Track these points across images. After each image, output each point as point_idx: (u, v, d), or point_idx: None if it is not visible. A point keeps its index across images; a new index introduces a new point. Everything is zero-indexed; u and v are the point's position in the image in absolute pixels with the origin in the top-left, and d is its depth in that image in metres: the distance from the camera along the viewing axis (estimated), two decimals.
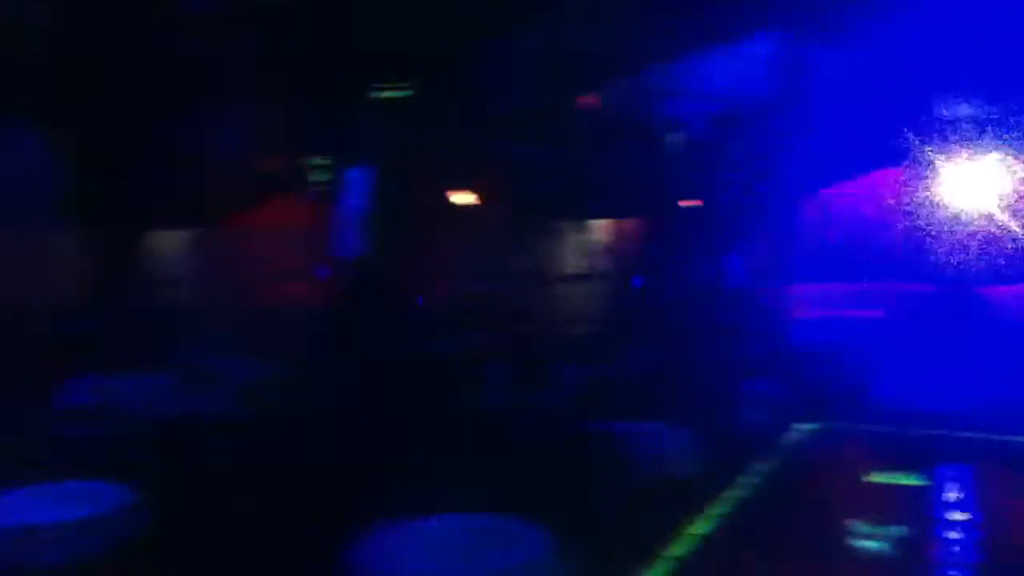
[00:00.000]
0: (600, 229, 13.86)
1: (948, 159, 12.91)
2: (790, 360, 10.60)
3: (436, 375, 8.27)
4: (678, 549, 5.47)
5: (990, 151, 12.72)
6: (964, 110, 11.54)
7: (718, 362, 9.40)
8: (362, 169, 8.29)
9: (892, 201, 13.12)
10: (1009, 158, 12.81)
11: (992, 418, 8.71)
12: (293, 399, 7.59)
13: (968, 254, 12.98)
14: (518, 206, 11.59)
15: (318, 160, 8.53)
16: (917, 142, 12.55)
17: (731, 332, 11.05)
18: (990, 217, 13.22)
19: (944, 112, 11.45)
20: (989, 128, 12.05)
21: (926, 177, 13.35)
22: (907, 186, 13.29)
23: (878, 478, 7.08)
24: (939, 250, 13.03)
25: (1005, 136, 12.18)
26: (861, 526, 5.89)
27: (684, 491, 6.40)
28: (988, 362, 10.64)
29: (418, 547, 4.37)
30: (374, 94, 7.45)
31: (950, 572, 5.20)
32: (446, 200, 10.86)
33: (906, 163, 12.92)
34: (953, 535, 5.83)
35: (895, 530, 5.82)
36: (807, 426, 8.66)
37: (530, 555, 4.43)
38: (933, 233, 13.22)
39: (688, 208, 13.46)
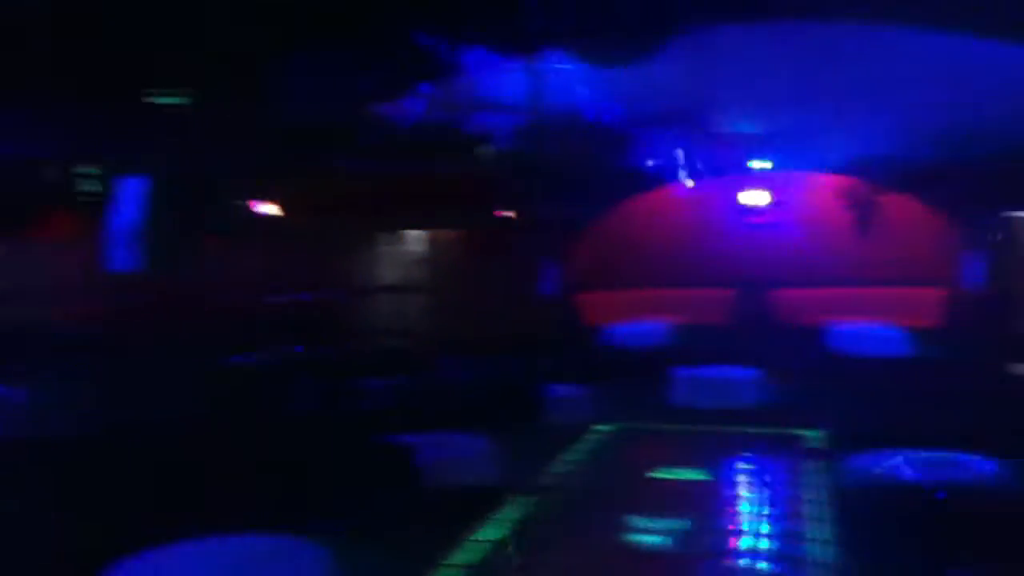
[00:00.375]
0: (416, 240, 13.89)
1: (741, 172, 13.81)
2: (594, 365, 10.98)
3: (233, 388, 8.00)
4: (464, 556, 5.51)
5: (776, 165, 13.72)
6: (750, 126, 12.34)
7: (525, 369, 9.59)
8: (145, 178, 7.91)
9: (691, 211, 13.87)
10: (795, 172, 13.86)
11: (777, 413, 9.34)
12: (73, 420, 7.11)
13: (761, 260, 13.90)
14: (328, 216, 11.40)
15: (95, 169, 8.07)
16: (712, 155, 13.34)
17: (540, 339, 11.33)
18: (781, 226, 14.24)
19: (732, 127, 12.20)
20: (773, 143, 12.97)
21: (723, 188, 14.21)
22: (706, 196, 14.09)
23: (665, 474, 7.42)
24: (735, 257, 13.88)
25: (786, 151, 13.16)
26: (643, 521, 6.13)
27: (478, 498, 6.45)
28: (776, 361, 11.42)
29: (183, 573, 4.17)
30: (159, 99, 7.09)
31: (727, 562, 5.49)
32: (248, 210, 10.55)
33: (704, 175, 13.69)
34: (732, 526, 6.19)
35: (675, 524, 6.09)
36: (605, 427, 8.96)
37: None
38: (729, 241, 14.08)
39: (503, 218, 13.71)
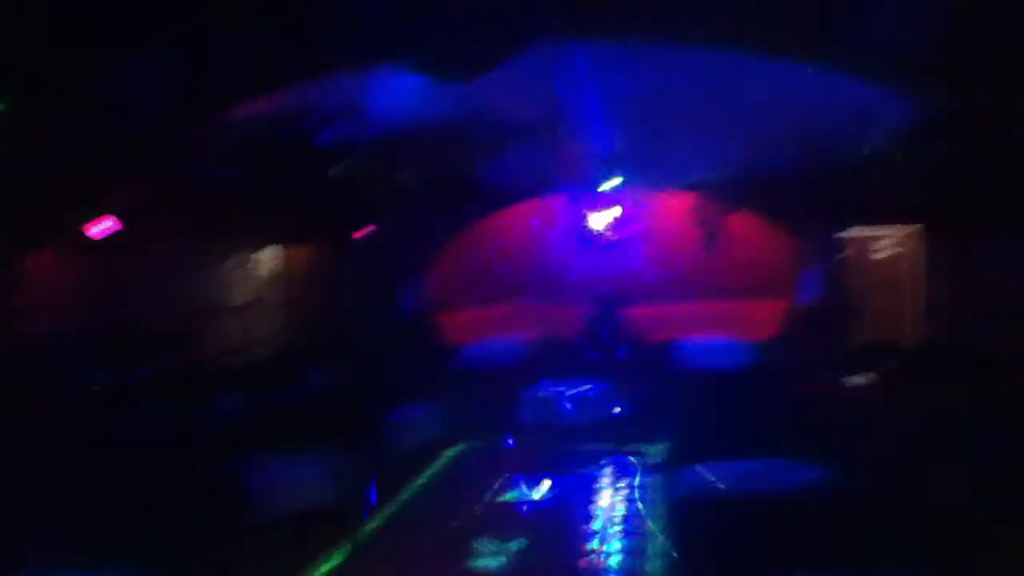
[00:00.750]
0: (274, 255, 13.43)
1: (593, 190, 14.06)
2: (448, 384, 10.88)
3: (72, 408, 7.50)
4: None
5: (627, 183, 14.05)
6: (601, 144, 12.58)
7: (380, 388, 9.39)
8: None
9: (544, 228, 14.01)
10: (645, 190, 14.23)
11: (625, 428, 9.47)
12: None
13: (614, 276, 14.18)
14: (176, 230, 10.85)
15: None
16: (565, 176, 13.52)
17: (396, 358, 11.14)
18: (632, 242, 14.58)
19: (584, 146, 12.41)
20: (623, 162, 13.28)
21: (575, 206, 14.42)
22: (558, 216, 14.27)
23: (508, 495, 7.36)
24: (588, 273, 14.11)
25: (637, 169, 13.50)
26: (484, 543, 6.05)
27: (328, 518, 6.25)
28: (626, 376, 11.64)
29: None
30: None
31: None
32: (82, 223, 9.90)
33: (556, 195, 13.88)
34: (571, 543, 6.20)
35: (514, 544, 6.04)
36: (454, 448, 8.86)
37: None
38: (583, 260, 14.30)
39: (361, 235, 13.44)
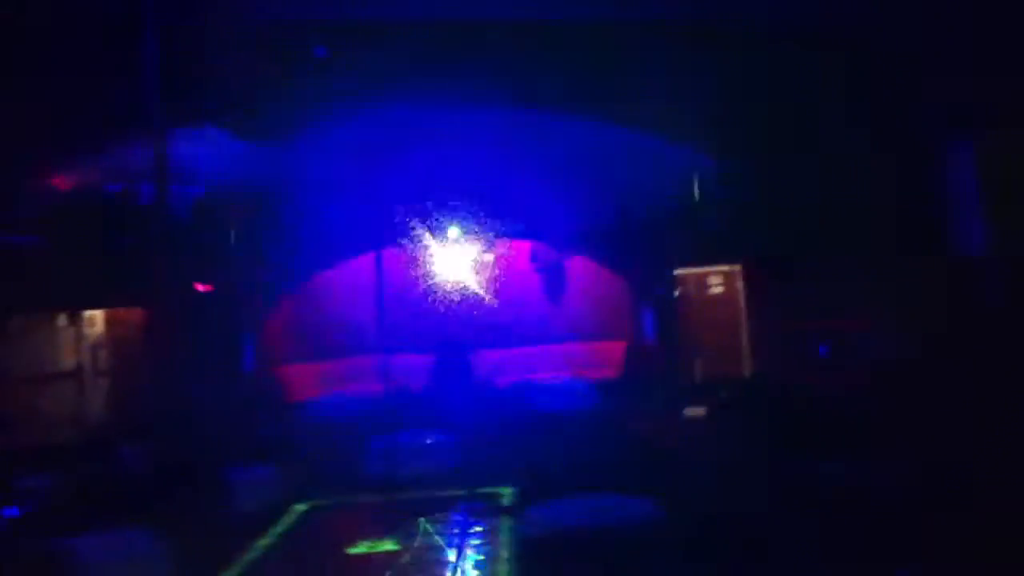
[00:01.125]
0: (94, 320, 12.79)
1: (434, 244, 14.27)
2: (292, 441, 10.67)
3: None
4: None
5: (463, 239, 14.37)
6: (443, 202, 12.87)
7: (213, 453, 9.07)
8: None
9: (387, 281, 14.05)
10: (479, 245, 14.57)
11: (475, 473, 9.54)
12: None
13: (457, 324, 14.37)
14: None
15: None
16: (405, 228, 13.67)
17: (233, 419, 10.82)
18: (472, 294, 14.83)
19: (425, 203, 12.66)
20: (461, 218, 13.61)
21: (417, 259, 14.57)
22: (400, 267, 14.36)
23: (359, 548, 7.30)
24: (432, 324, 14.23)
25: (473, 225, 13.86)
26: None
27: None
28: (473, 422, 11.76)
29: None
30: None
31: None
32: None
33: (399, 247, 13.98)
34: None
35: None
36: (301, 505, 8.69)
37: None
38: (426, 309, 14.42)
39: (192, 293, 13.03)
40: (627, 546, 5.05)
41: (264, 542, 7.64)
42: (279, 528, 8.05)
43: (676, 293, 14.94)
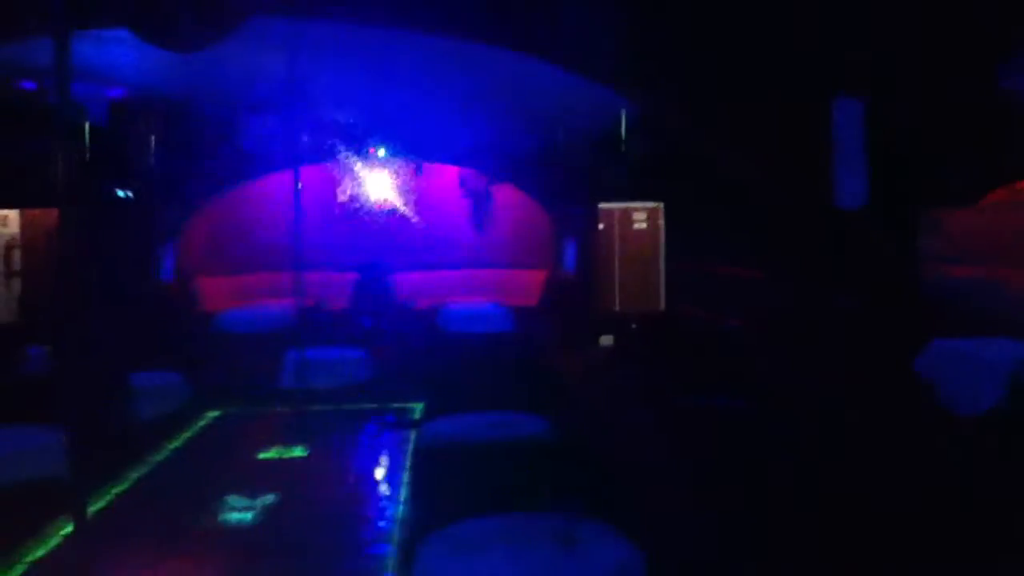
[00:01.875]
0: (7, 220, 12.56)
1: (360, 163, 14.27)
2: (206, 351, 10.78)
3: None
4: (38, 550, 5.24)
5: (391, 160, 14.39)
6: (371, 122, 12.84)
7: (122, 358, 9.12)
8: None
9: (311, 197, 14.03)
10: (407, 167, 14.62)
11: (387, 390, 9.83)
12: None
13: (381, 244, 14.49)
14: None
15: None
16: (331, 146, 13.63)
17: (145, 326, 10.83)
18: (397, 215, 14.93)
19: (353, 122, 12.61)
20: (390, 139, 13.62)
21: (343, 177, 14.57)
22: (325, 185, 14.35)
23: (270, 454, 7.55)
24: (355, 243, 14.32)
25: (401, 147, 13.89)
26: (235, 499, 6.22)
27: (58, 492, 6.10)
28: (391, 340, 12.02)
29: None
30: None
31: (311, 532, 5.75)
32: None
33: (325, 164, 13.94)
34: (321, 495, 6.50)
35: (266, 499, 6.25)
36: (213, 412, 8.87)
37: None
38: (349, 228, 14.49)
39: (109, 197, 12.85)
40: (511, 459, 5.38)
41: (174, 445, 7.84)
42: (189, 433, 8.24)
43: (600, 226, 15.27)
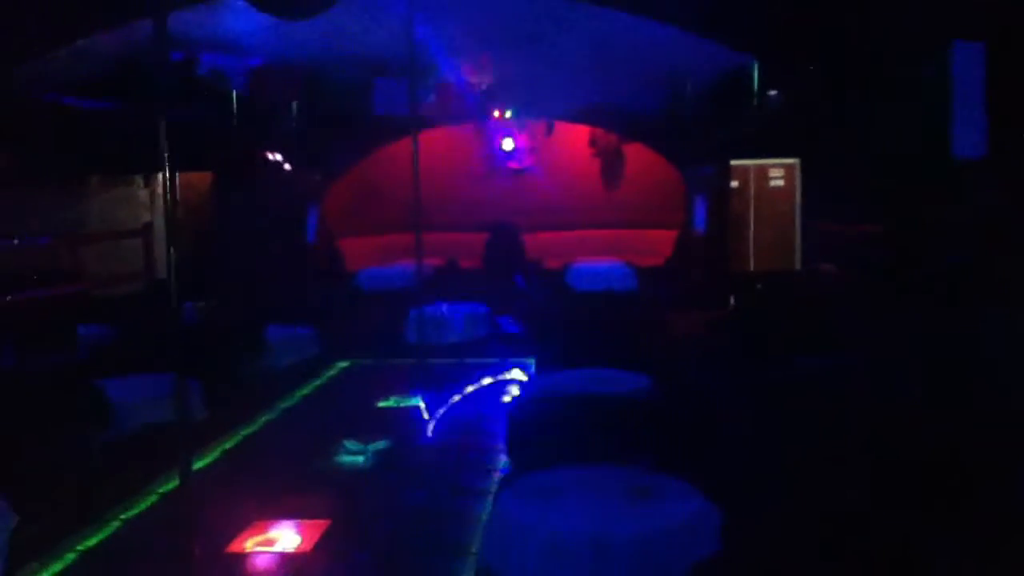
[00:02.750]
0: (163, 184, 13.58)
1: (491, 124, 14.48)
2: (341, 307, 11.37)
3: None
4: (167, 485, 5.79)
5: (524, 114, 14.49)
6: (493, 75, 12.95)
7: (265, 312, 9.77)
8: None
9: (447, 156, 14.39)
10: (538, 126, 14.69)
11: (508, 345, 10.08)
12: None
13: (513, 204, 14.70)
14: (55, 160, 10.97)
15: None
16: (462, 108, 13.89)
17: (287, 284, 11.54)
18: (531, 171, 15.08)
19: (477, 77, 12.77)
20: (520, 93, 13.71)
21: (475, 134, 14.83)
22: (458, 145, 14.66)
23: (388, 402, 7.96)
24: (487, 201, 14.60)
25: (531, 107, 13.96)
26: (352, 444, 6.62)
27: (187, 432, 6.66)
28: (517, 298, 12.24)
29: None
30: None
31: (419, 479, 6.08)
32: None
33: (454, 125, 14.23)
34: (432, 442, 6.84)
35: (378, 444, 6.63)
36: (341, 364, 9.40)
37: None
38: (481, 185, 14.78)
39: (258, 162, 13.64)
40: (605, 414, 5.47)
41: (303, 392, 8.39)
42: (318, 381, 8.79)
43: (733, 184, 14.90)
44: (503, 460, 6.28)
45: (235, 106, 11.75)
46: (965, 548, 3.88)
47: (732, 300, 12.45)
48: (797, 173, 14.43)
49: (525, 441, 5.73)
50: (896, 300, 7.32)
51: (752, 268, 14.99)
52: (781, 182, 14.91)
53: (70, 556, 4.86)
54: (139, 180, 13.36)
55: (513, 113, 14.05)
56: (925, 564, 3.90)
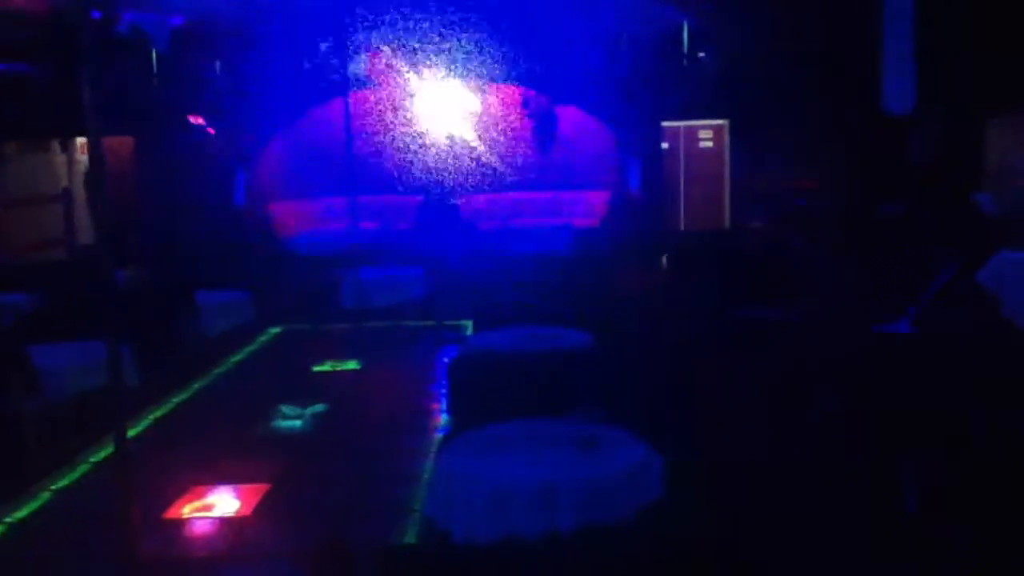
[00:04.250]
0: (86, 148, 13.10)
1: (425, 85, 14.27)
2: (271, 272, 11.16)
3: None
4: (100, 453, 5.63)
5: (456, 81, 14.33)
6: (428, 38, 12.78)
7: (192, 278, 9.51)
8: None
9: (379, 119, 14.16)
10: (471, 88, 14.55)
11: (445, 308, 10.02)
12: None
13: (448, 169, 14.57)
14: None
15: None
16: (395, 68, 13.67)
17: (215, 248, 11.25)
18: (462, 137, 14.95)
19: (414, 40, 12.58)
20: (453, 60, 13.55)
21: (408, 100, 14.61)
22: (390, 107, 14.43)
23: (324, 367, 7.87)
24: (421, 166, 14.44)
25: (465, 67, 13.80)
26: (289, 408, 6.53)
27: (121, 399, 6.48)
28: (454, 261, 12.18)
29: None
30: None
31: (357, 438, 6.02)
32: None
33: (389, 87, 14.00)
34: (369, 406, 6.79)
35: (316, 408, 6.55)
36: (275, 329, 9.24)
37: None
38: (418, 150, 14.60)
39: (182, 125, 13.23)
40: (548, 370, 5.49)
41: (237, 358, 8.23)
42: (252, 347, 8.63)
43: (664, 145, 15.04)
44: (443, 419, 6.27)
45: (155, 67, 11.34)
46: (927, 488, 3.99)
47: (664, 259, 12.62)
48: (726, 134, 14.64)
49: (466, 399, 5.72)
50: (828, 252, 7.50)
51: (683, 227, 15.21)
52: (711, 143, 15.11)
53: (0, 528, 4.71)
54: (56, 145, 12.84)
55: (447, 73, 13.87)
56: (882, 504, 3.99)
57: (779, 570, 3.45)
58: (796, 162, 10.61)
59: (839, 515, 4.08)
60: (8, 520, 4.79)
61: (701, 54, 12.73)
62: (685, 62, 13.46)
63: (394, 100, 14.52)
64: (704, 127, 15.03)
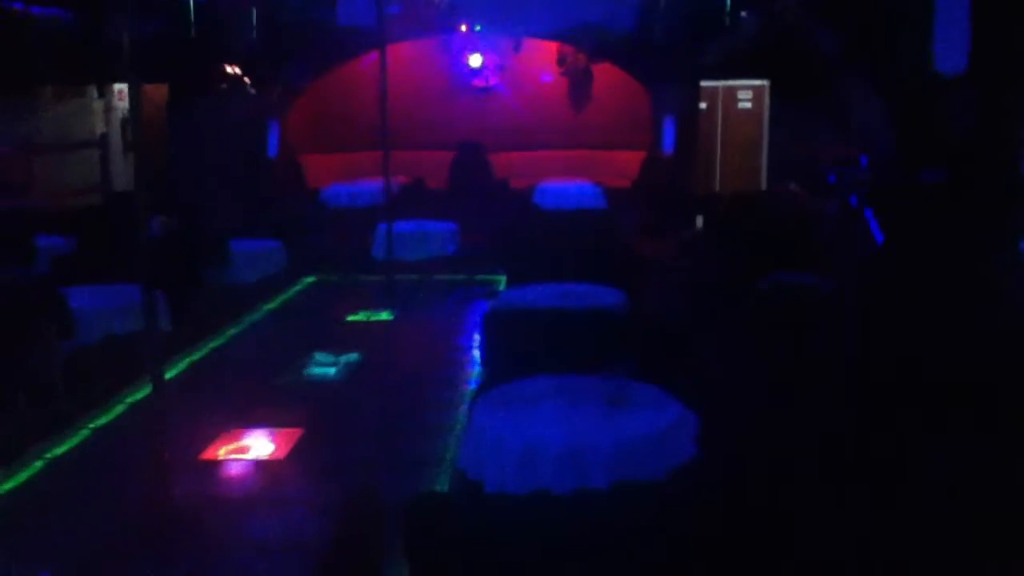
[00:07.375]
0: (124, 94, 13.12)
1: (459, 41, 14.13)
2: (305, 223, 11.19)
3: None
4: (137, 394, 5.72)
5: (492, 29, 14.16)
6: None
7: (226, 227, 9.54)
8: None
9: (408, 75, 14.05)
10: (512, 37, 14.37)
11: (476, 262, 10.02)
12: None
13: (479, 123, 14.46)
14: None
15: None
16: (429, 22, 13.54)
17: (249, 198, 11.28)
18: (498, 89, 14.80)
19: None
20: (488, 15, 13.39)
21: (441, 50, 14.48)
22: (424, 62, 14.31)
23: (358, 316, 7.91)
24: (453, 119, 14.34)
25: (500, 24, 13.62)
26: (323, 355, 6.59)
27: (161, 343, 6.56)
28: (484, 216, 12.13)
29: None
30: None
31: (388, 388, 6.06)
32: None
33: (419, 41, 13.88)
34: (403, 356, 6.83)
35: (350, 357, 6.60)
36: (308, 279, 9.29)
37: None
38: (447, 103, 14.49)
39: (215, 74, 13.20)
40: (579, 326, 5.47)
41: (269, 306, 8.29)
42: (284, 296, 8.69)
43: (702, 106, 14.79)
44: (476, 372, 6.29)
45: (192, 15, 11.30)
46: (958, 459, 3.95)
47: (699, 221, 12.50)
48: (766, 95, 14.36)
49: (499, 353, 5.72)
50: (865, 219, 7.37)
51: (718, 189, 15.01)
52: (749, 104, 14.83)
53: (38, 464, 4.80)
54: (93, 91, 12.88)
55: (480, 28, 13.71)
56: (918, 472, 3.96)
57: (812, 535, 3.44)
58: (836, 125, 10.39)
59: (869, 479, 4.06)
60: (47, 456, 4.89)
61: (743, 12, 12.45)
62: (727, 20, 13.19)
63: (427, 52, 14.39)
64: (743, 87, 14.74)
